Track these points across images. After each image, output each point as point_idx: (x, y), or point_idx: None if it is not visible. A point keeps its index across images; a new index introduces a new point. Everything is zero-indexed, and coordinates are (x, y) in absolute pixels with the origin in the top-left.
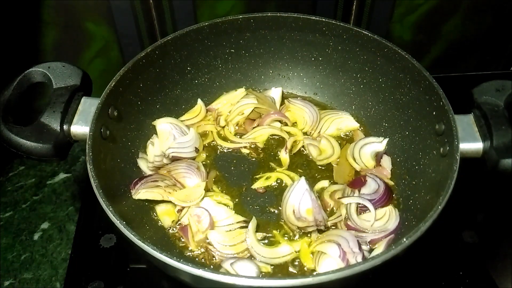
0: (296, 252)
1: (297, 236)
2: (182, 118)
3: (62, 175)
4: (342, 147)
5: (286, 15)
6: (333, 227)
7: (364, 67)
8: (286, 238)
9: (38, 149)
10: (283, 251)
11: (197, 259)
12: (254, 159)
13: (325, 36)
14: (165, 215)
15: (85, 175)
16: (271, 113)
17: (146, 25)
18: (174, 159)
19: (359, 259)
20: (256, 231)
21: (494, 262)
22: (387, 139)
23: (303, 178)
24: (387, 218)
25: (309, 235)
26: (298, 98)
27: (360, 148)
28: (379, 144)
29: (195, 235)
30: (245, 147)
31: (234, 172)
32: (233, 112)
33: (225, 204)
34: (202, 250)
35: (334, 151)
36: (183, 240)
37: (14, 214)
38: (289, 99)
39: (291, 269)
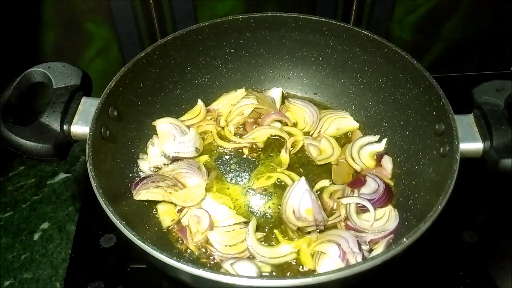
0: (296, 252)
1: (297, 236)
2: (182, 118)
3: (62, 175)
4: (341, 147)
5: (286, 15)
6: (333, 227)
7: (364, 67)
8: (286, 238)
9: (38, 149)
10: (283, 251)
11: (197, 259)
12: (254, 159)
13: (325, 36)
14: (165, 215)
15: (85, 175)
16: (271, 113)
17: (146, 25)
18: (175, 159)
19: (359, 259)
20: (256, 231)
21: (494, 262)
22: (385, 139)
23: (303, 178)
24: (387, 218)
25: (309, 235)
26: (298, 98)
27: (359, 149)
28: (378, 144)
29: (194, 235)
30: (245, 147)
31: (234, 172)
32: (233, 112)
33: (225, 204)
34: (202, 250)
35: (334, 151)
36: (183, 240)
37: (14, 214)
38: (289, 99)
39: (290, 269)
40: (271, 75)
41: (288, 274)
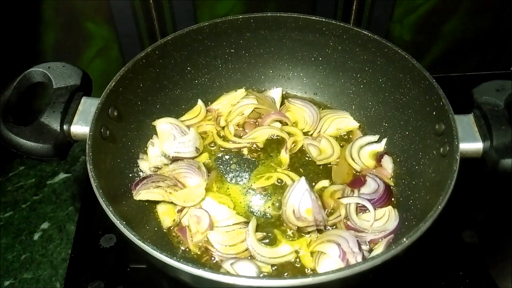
0: (296, 252)
1: (297, 236)
2: (182, 118)
3: (62, 175)
4: (341, 147)
5: (286, 15)
6: (333, 227)
7: (364, 67)
8: (286, 238)
9: (38, 149)
10: (283, 251)
11: (197, 259)
12: (254, 159)
13: (325, 36)
14: (165, 215)
15: (85, 175)
16: (271, 113)
17: (146, 25)
18: (175, 159)
19: (359, 259)
20: (256, 231)
21: (494, 262)
22: (385, 139)
23: (303, 178)
24: (387, 218)
25: (309, 235)
26: (298, 98)
27: (359, 149)
28: (378, 144)
29: (194, 236)
30: (245, 147)
31: (234, 172)
32: (233, 112)
33: (225, 204)
34: (202, 250)
35: (334, 151)
36: (183, 240)
37: (14, 214)
38: (289, 99)
39: (290, 269)
40: (271, 75)
41: (288, 274)
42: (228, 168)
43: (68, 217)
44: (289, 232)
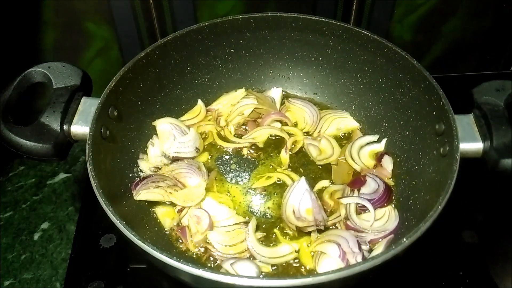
0: (296, 252)
1: (297, 236)
2: (182, 118)
3: (62, 175)
4: (341, 147)
5: (286, 15)
6: (332, 227)
7: (364, 67)
8: (286, 238)
9: (38, 149)
10: (283, 251)
11: (197, 259)
12: (254, 159)
13: (325, 36)
14: (165, 217)
15: (85, 175)
16: (271, 113)
17: (146, 25)
18: (175, 159)
19: (359, 259)
20: (256, 231)
21: (494, 262)
22: (385, 139)
23: (303, 178)
24: (387, 218)
25: (309, 235)
26: (298, 98)
27: (359, 149)
28: (378, 144)
29: (194, 236)
30: (245, 147)
31: (234, 172)
32: (233, 112)
33: (225, 204)
34: (202, 250)
35: (334, 151)
36: (183, 240)
37: (14, 214)
38: (289, 99)
39: (291, 269)
40: (271, 75)
41: (288, 274)
42: (228, 168)
43: (68, 217)
44: (289, 232)
